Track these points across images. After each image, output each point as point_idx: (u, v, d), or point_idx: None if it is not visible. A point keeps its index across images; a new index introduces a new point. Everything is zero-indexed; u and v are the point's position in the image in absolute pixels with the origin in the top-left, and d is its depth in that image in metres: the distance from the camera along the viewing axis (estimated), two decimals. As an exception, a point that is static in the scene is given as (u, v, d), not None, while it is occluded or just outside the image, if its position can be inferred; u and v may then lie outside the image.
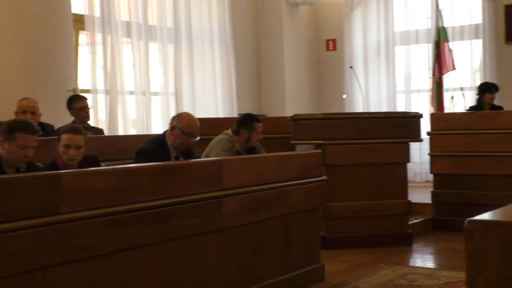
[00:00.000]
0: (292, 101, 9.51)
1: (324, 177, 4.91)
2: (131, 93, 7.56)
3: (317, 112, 8.89)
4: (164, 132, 4.83)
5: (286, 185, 4.43)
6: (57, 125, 5.67)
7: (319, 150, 5.12)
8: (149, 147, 4.71)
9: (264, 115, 8.37)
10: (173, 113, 6.32)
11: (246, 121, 5.31)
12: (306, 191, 4.63)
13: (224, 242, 3.95)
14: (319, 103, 10.11)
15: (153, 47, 7.85)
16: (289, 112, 8.00)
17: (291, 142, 5.98)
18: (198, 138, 4.80)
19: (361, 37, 9.75)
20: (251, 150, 5.36)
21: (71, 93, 6.58)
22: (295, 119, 5.94)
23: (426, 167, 7.67)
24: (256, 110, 8.73)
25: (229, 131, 5.33)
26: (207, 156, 5.17)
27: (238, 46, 9.03)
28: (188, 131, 4.68)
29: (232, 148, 5.20)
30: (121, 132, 7.24)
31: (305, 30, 10.01)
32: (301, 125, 5.92)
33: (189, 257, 3.72)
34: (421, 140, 6.37)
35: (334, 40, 10.07)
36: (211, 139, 5.38)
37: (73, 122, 5.79)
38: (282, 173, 4.42)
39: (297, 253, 4.56)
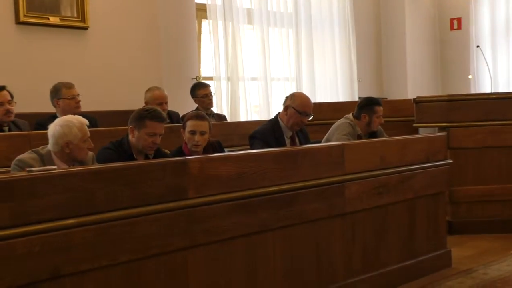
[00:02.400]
0: (414, 83, 9.25)
1: (450, 161, 4.75)
2: (252, 79, 7.65)
3: (440, 94, 8.60)
4: (277, 115, 4.87)
5: (410, 169, 4.33)
6: (181, 112, 5.85)
7: (444, 133, 4.95)
8: (263, 129, 4.77)
9: (385, 98, 8.22)
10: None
11: (366, 105, 5.24)
12: (431, 175, 4.50)
13: (347, 227, 3.93)
14: (442, 85, 9.77)
15: (273, 32, 7.88)
16: (411, 95, 7.81)
17: (414, 125, 5.82)
18: (311, 117, 4.81)
19: (489, 14, 9.30)
20: (373, 135, 5.28)
21: (195, 81, 6.76)
22: (418, 101, 5.78)
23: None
24: (377, 93, 8.58)
25: (350, 115, 5.28)
26: (327, 140, 5.15)
27: (359, 28, 8.88)
28: (302, 110, 4.71)
29: (353, 132, 5.15)
30: (243, 118, 7.35)
31: (427, 9, 9.68)
32: (424, 107, 5.75)
33: (312, 242, 3.72)
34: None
35: (459, 19, 9.67)
36: (331, 124, 5.34)
37: (197, 109, 5.94)
38: (405, 157, 4.32)
39: (422, 238, 4.46)
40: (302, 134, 4.93)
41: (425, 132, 5.76)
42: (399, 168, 4.25)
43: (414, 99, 5.84)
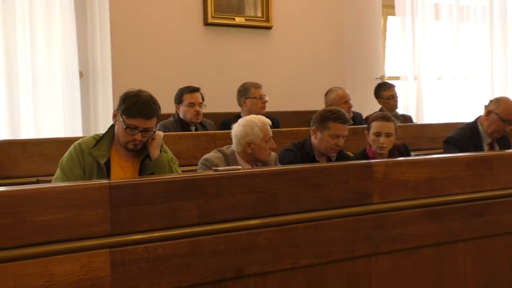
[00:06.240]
0: None
1: None
2: (438, 78, 7.29)
3: None
4: (476, 119, 4.58)
5: None
6: (365, 113, 5.71)
7: None
8: (459, 135, 4.51)
9: None
10: (485, 99, 5.92)
11: None
12: None
13: (548, 243, 3.56)
14: None
15: (464, 28, 7.44)
16: None
17: None
18: None
19: None
20: None
21: (379, 81, 6.59)
22: None
23: None
24: None
25: None
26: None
27: None
28: (507, 118, 4.39)
29: None
30: (428, 119, 7.03)
31: None
32: None
33: (508, 256, 3.42)
34: None
35: None
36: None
37: (381, 110, 5.78)
38: None
39: None
40: (503, 142, 4.56)
41: None
42: None
43: None
